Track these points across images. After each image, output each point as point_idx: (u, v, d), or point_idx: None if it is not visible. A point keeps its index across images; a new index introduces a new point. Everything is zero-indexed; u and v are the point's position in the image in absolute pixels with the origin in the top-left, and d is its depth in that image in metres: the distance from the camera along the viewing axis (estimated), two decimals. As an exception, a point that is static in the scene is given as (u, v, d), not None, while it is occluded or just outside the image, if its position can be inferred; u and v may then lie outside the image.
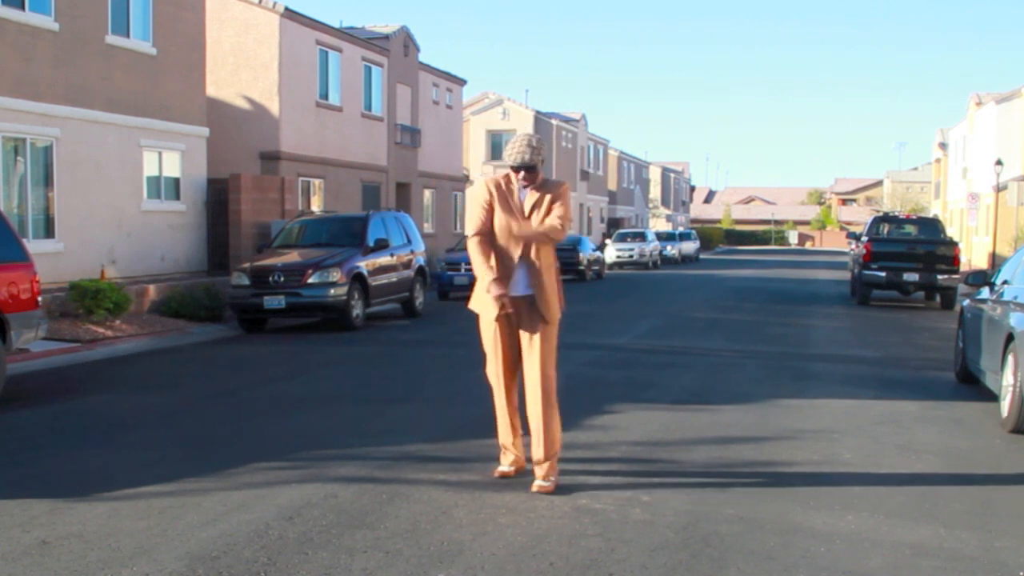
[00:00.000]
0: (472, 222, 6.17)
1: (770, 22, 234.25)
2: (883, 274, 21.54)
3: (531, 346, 6.13)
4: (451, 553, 5.01)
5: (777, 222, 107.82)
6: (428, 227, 32.86)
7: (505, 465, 6.52)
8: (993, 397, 9.21)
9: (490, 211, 6.13)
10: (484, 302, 6.17)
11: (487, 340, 6.30)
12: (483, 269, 6.08)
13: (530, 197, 6.13)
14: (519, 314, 6.15)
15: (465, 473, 6.64)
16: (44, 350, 12.36)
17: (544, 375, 6.10)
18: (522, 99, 52.13)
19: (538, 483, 6.12)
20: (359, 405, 9.39)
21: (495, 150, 50.75)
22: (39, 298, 10.46)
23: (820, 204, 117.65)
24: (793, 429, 8.26)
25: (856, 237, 28.94)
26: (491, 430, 7.54)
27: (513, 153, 6.03)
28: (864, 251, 22.07)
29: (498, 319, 6.15)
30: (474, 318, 6.49)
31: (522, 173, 6.06)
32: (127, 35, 18.44)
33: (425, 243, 20.23)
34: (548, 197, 6.12)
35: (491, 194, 6.14)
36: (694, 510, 5.80)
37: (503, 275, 6.07)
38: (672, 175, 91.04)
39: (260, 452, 7.27)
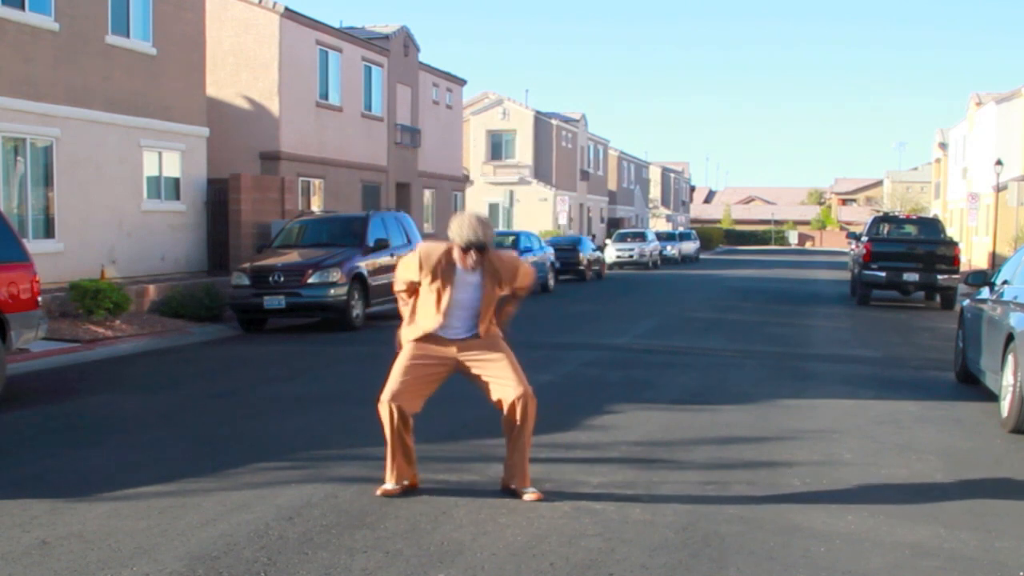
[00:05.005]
0: (399, 283, 6.05)
1: (770, 22, 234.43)
2: (883, 274, 21.53)
3: (499, 374, 5.88)
4: (451, 553, 5.01)
5: (777, 222, 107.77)
6: (428, 227, 32.87)
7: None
8: (993, 397, 9.20)
9: (410, 287, 5.97)
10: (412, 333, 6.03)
11: (399, 365, 6.00)
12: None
13: (487, 286, 5.83)
14: (462, 356, 5.95)
15: (465, 473, 6.64)
16: (44, 350, 12.36)
17: (526, 394, 5.85)
18: (522, 99, 52.19)
19: (533, 491, 5.98)
20: (359, 405, 9.37)
21: (495, 150, 50.77)
22: (39, 298, 10.46)
23: (820, 204, 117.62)
24: (793, 429, 8.26)
25: (856, 237, 28.94)
26: (491, 430, 7.55)
27: (464, 231, 5.63)
28: (864, 251, 22.07)
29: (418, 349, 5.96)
30: None
31: (472, 254, 5.69)
32: (127, 35, 18.44)
33: (425, 243, 20.19)
34: (517, 284, 5.96)
35: (422, 271, 5.84)
36: (694, 510, 5.80)
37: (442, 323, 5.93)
38: (672, 175, 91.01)
39: (260, 452, 7.27)
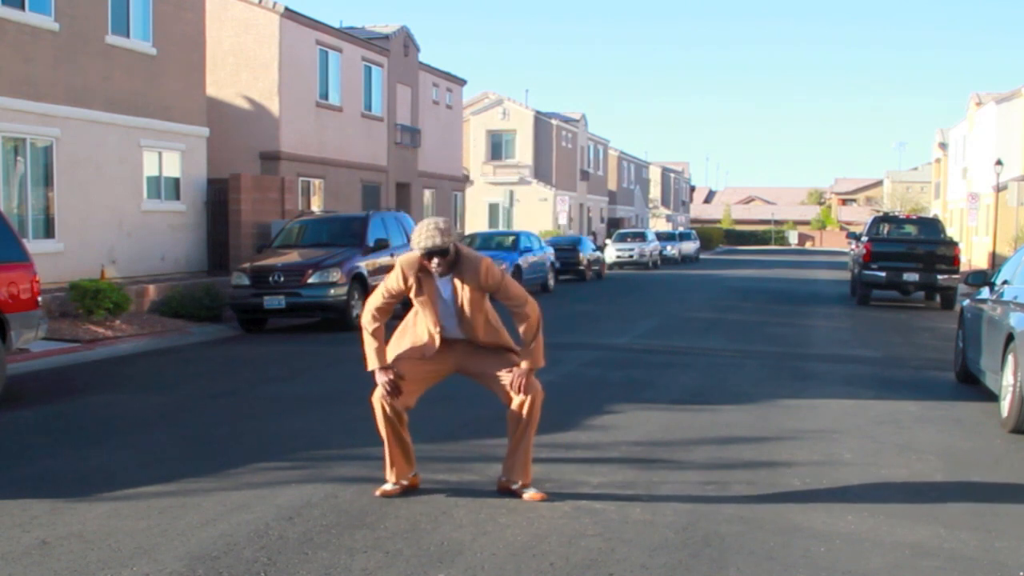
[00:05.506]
0: (375, 300, 5.93)
1: (770, 22, 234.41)
2: (883, 274, 21.53)
3: (506, 366, 5.88)
4: (451, 553, 5.01)
5: (777, 222, 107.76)
6: (428, 227, 32.84)
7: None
8: (993, 397, 9.20)
9: (397, 297, 5.93)
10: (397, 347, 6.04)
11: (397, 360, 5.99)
12: (372, 351, 5.88)
13: (461, 291, 5.77)
14: (461, 354, 5.97)
15: (465, 473, 6.64)
16: (44, 350, 12.36)
17: (535, 387, 5.86)
18: (522, 99, 52.19)
19: (533, 491, 5.99)
20: (359, 405, 9.35)
21: (495, 150, 50.77)
22: (39, 298, 10.46)
23: (820, 204, 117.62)
24: (793, 429, 8.26)
25: (856, 237, 28.95)
26: (491, 430, 7.56)
27: (421, 239, 5.59)
28: (864, 251, 22.07)
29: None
30: None
31: (435, 260, 5.65)
32: (127, 35, 18.44)
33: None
34: (483, 284, 5.76)
35: (407, 281, 5.82)
36: (694, 510, 5.80)
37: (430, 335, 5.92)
38: (672, 175, 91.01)
39: (260, 452, 7.27)
